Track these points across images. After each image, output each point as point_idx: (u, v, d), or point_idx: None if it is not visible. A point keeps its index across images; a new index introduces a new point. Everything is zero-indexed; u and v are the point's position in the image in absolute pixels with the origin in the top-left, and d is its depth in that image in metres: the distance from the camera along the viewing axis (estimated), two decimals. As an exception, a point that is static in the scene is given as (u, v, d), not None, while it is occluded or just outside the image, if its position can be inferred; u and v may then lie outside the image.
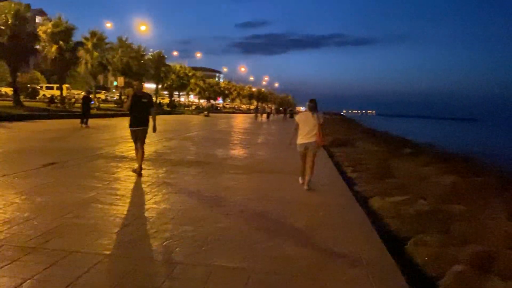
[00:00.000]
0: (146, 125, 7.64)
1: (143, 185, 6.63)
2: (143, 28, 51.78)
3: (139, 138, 7.52)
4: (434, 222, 6.19)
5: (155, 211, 5.17)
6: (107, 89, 73.61)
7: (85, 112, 17.62)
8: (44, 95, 39.36)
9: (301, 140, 7.18)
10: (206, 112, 46.91)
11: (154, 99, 60.13)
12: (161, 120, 28.48)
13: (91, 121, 20.88)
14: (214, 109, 78.77)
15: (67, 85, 42.58)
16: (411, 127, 76.25)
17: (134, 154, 10.01)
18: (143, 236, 4.24)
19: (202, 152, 11.50)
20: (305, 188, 7.15)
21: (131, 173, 7.44)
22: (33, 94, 39.68)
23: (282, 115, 64.38)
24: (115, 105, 43.08)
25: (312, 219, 5.34)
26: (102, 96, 55.35)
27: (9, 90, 35.60)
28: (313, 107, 7.21)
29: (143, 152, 7.53)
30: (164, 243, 4.04)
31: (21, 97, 39.05)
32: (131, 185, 6.61)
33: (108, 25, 53.90)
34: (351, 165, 12.51)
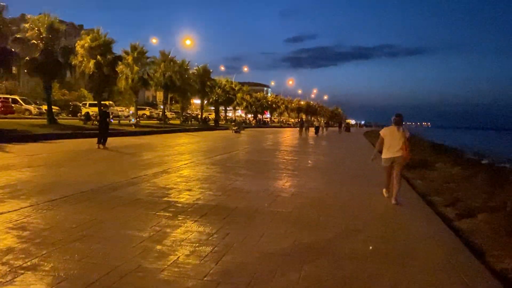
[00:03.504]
0: None
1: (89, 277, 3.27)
2: (188, 42, 49.90)
3: None
4: None
5: None
6: (153, 105, 73.10)
7: (102, 130, 14.95)
8: (85, 112, 38.27)
9: (387, 154, 7.32)
10: (235, 128, 36.62)
11: (199, 114, 57.63)
12: (201, 138, 25.74)
13: (119, 140, 18.49)
14: (261, 123, 75.86)
15: (110, 102, 41.38)
16: (478, 141, 68.67)
17: (128, 193, 6.68)
18: None
19: (230, 187, 8.07)
20: (393, 202, 7.21)
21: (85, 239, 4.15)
22: (75, 111, 38.71)
23: (331, 128, 60.13)
24: (158, 122, 41.14)
25: None
26: (147, 113, 54.23)
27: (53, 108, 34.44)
28: (399, 121, 7.32)
29: None
30: None
31: (63, 114, 38.44)
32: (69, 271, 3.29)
33: (154, 40, 52.97)
34: (449, 202, 8.54)
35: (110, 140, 16.16)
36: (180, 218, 5.43)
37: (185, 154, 14.41)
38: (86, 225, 4.80)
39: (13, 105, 33.14)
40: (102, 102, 31.10)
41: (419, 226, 5.92)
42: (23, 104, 34.72)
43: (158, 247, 4.25)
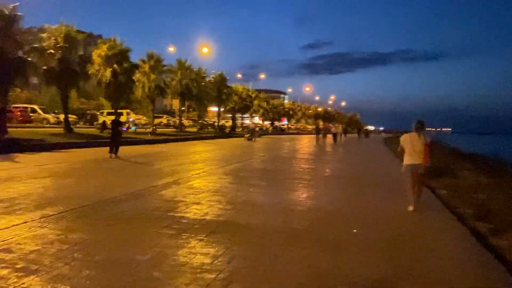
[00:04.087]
0: None
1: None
2: (205, 50, 49.81)
3: None
4: None
5: None
6: (171, 113, 73.29)
7: (114, 139, 14.66)
8: (102, 120, 38.40)
9: (408, 161, 7.22)
10: (248, 136, 34.69)
11: (216, 122, 56.22)
12: (216, 146, 25.35)
13: (133, 149, 18.27)
14: (278, 130, 75.19)
15: (127, 110, 41.51)
16: (503, 147, 66.27)
17: (132, 208, 6.02)
18: None
19: (241, 199, 7.55)
20: (412, 208, 7.13)
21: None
22: (92, 120, 38.93)
23: (350, 135, 59.05)
24: (174, 130, 41.03)
25: None
26: (164, 121, 54.28)
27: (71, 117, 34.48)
28: (420, 127, 7.24)
29: None
30: None
31: (81, 123, 38.68)
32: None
33: (171, 49, 53.09)
34: (480, 215, 7.81)
35: (124, 149, 15.90)
36: (184, 237, 4.93)
37: (198, 163, 13.99)
38: (78, 246, 4.35)
39: (31, 114, 33.47)
40: (118, 111, 31.03)
41: (449, 244, 5.31)
42: (42, 113, 35.04)
43: (155, 273, 3.76)
